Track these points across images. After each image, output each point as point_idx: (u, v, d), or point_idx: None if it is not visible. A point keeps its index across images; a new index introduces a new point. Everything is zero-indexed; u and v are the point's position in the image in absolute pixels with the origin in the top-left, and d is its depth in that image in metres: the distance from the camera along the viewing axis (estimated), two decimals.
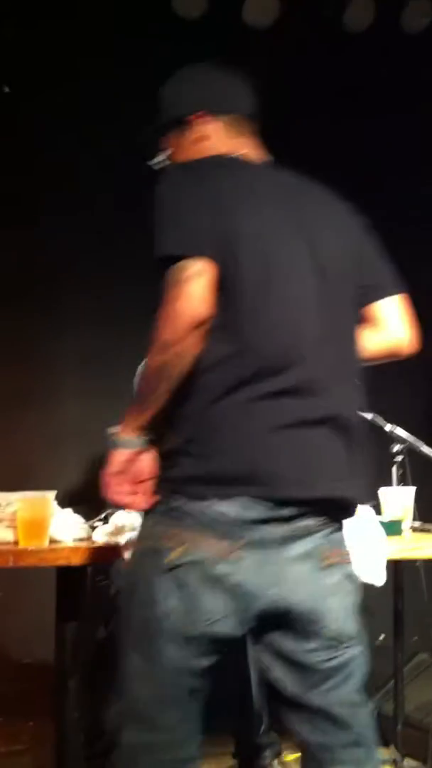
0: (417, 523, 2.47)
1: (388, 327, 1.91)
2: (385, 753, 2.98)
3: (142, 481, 1.67)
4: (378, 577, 2.22)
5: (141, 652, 1.63)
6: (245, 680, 2.85)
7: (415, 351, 1.96)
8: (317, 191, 1.84)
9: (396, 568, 2.69)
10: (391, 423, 2.70)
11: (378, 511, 2.42)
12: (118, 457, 1.68)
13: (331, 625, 1.67)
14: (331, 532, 1.70)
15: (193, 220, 1.64)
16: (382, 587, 2.31)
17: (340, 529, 1.74)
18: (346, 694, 1.72)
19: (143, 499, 1.67)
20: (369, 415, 2.74)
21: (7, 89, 3.72)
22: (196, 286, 1.59)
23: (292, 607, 1.64)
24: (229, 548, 1.58)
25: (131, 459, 1.67)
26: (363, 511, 2.31)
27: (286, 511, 1.61)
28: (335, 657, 1.69)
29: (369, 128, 4.04)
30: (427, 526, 2.45)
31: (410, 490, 2.49)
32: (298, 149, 3.94)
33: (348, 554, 1.74)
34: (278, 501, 1.60)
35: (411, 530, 2.43)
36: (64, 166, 3.70)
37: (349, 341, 1.80)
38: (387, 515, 2.42)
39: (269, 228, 1.70)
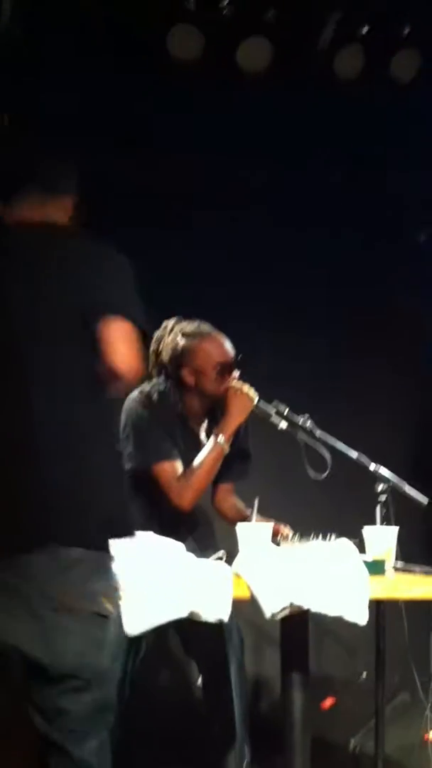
0: (399, 563, 2.49)
1: None
2: None
3: None
4: (361, 617, 2.24)
5: None
6: (229, 713, 2.86)
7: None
8: None
9: (378, 607, 2.72)
10: (376, 462, 2.74)
11: (361, 550, 2.45)
12: None
13: None
14: None
15: None
16: (365, 626, 2.34)
17: None
18: None
19: None
20: (354, 454, 2.79)
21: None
22: None
23: None
24: None
25: None
26: (347, 549, 2.34)
27: None
28: None
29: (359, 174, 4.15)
30: (410, 566, 2.47)
31: (393, 530, 2.52)
32: (285, 191, 4.10)
33: None
34: None
35: (394, 570, 2.46)
36: None
37: None
38: (370, 554, 2.45)
39: None
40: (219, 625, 2.35)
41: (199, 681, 3.10)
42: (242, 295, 3.98)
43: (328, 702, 3.47)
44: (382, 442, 3.41)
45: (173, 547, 2.26)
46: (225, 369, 2.98)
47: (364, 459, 2.76)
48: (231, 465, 3.04)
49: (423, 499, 2.72)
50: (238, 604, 2.21)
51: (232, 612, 2.75)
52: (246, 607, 2.24)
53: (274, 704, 3.45)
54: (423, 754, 2.70)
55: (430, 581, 2.40)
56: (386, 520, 2.62)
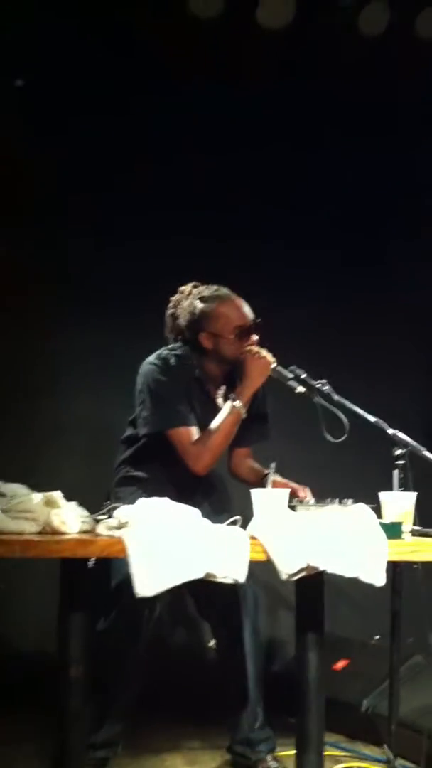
0: (417, 528, 2.49)
1: None
2: (378, 752, 3.02)
3: None
4: (378, 578, 2.25)
5: None
6: (242, 675, 2.89)
7: None
8: None
9: (394, 569, 2.72)
10: (393, 427, 2.73)
11: (379, 515, 2.45)
12: None
13: None
14: None
15: None
16: (380, 588, 2.34)
17: None
18: None
19: None
20: (372, 418, 2.78)
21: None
22: None
23: None
24: None
25: None
26: (364, 512, 2.34)
27: None
28: None
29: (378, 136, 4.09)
30: (427, 530, 2.47)
31: (411, 495, 2.51)
32: (311, 154, 4.05)
33: None
34: None
35: (411, 534, 2.46)
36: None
37: None
38: (387, 518, 2.45)
39: None
40: (233, 588, 2.38)
41: (212, 642, 3.13)
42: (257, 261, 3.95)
43: (341, 664, 3.49)
44: (400, 407, 3.41)
45: (188, 511, 2.27)
46: (243, 333, 2.97)
47: (382, 423, 2.75)
48: (249, 429, 3.03)
49: None
50: (253, 568, 2.22)
51: (249, 575, 2.78)
52: (262, 570, 2.25)
53: (288, 666, 3.48)
54: None
55: None
56: (404, 485, 2.61)
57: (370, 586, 2.27)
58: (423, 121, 4.14)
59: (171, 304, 3.10)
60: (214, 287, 3.05)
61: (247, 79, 3.87)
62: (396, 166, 4.18)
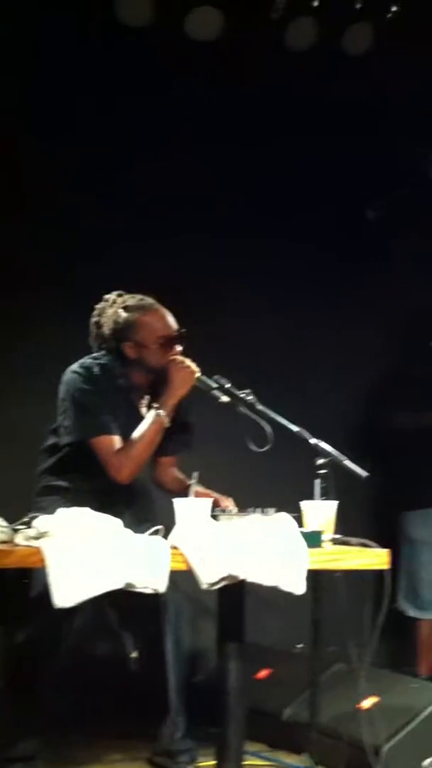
0: (338, 536, 2.52)
1: None
2: (299, 760, 3.03)
3: None
4: (298, 587, 2.26)
5: None
6: (164, 686, 2.87)
7: None
8: None
9: (315, 578, 2.74)
10: (316, 437, 2.76)
11: (300, 523, 2.47)
12: None
13: None
14: None
15: None
16: (302, 597, 2.36)
17: None
18: None
19: None
20: (295, 428, 2.80)
21: None
22: None
23: None
24: None
25: None
26: (285, 522, 2.36)
27: None
28: None
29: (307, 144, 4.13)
30: (348, 538, 2.50)
31: (333, 504, 2.54)
32: (237, 161, 4.08)
33: None
34: None
35: (332, 542, 2.48)
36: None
37: None
38: (309, 527, 2.46)
39: None
40: (155, 599, 2.36)
41: (134, 654, 3.11)
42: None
43: (264, 673, 3.50)
44: (323, 417, 3.44)
45: (109, 521, 2.25)
46: (167, 343, 2.96)
47: (305, 433, 2.77)
48: (173, 438, 3.03)
49: (362, 473, 2.74)
50: (176, 577, 2.21)
51: (170, 585, 2.77)
52: (185, 579, 2.25)
53: (210, 676, 3.47)
54: (355, 723, 2.74)
55: (366, 553, 2.43)
56: (325, 494, 2.63)
57: (293, 595, 2.29)
58: (347, 133, 4.19)
59: (95, 312, 3.08)
60: (139, 296, 3.05)
61: (176, 88, 3.88)
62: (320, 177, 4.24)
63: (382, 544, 2.47)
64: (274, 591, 2.28)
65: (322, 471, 2.68)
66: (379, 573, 2.50)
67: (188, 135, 3.99)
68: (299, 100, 4.03)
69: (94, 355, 3.03)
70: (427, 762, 2.88)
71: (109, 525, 2.24)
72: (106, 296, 3.08)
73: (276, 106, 4.05)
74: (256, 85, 3.93)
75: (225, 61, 3.83)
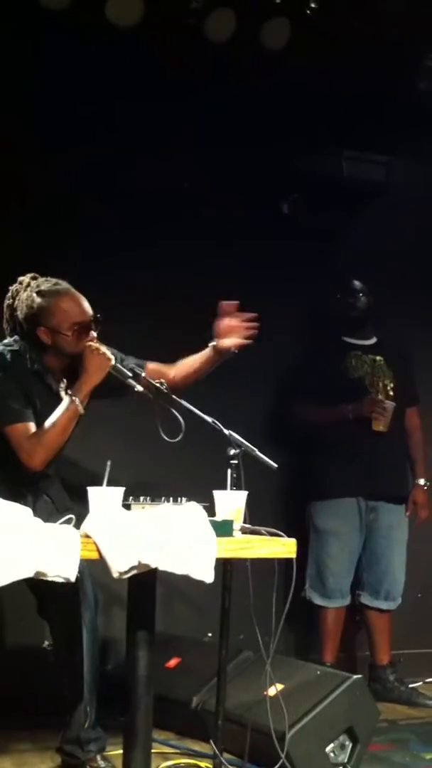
0: (248, 525, 2.55)
1: None
2: (207, 748, 3.07)
3: None
4: (207, 575, 2.29)
5: None
6: (78, 675, 2.87)
7: None
8: None
9: (225, 567, 2.77)
10: (229, 428, 2.78)
11: (212, 513, 2.49)
12: None
13: None
14: None
15: None
16: (211, 586, 2.38)
17: None
18: None
19: None
20: (208, 419, 2.82)
21: None
22: None
23: None
24: None
25: None
26: (195, 511, 2.37)
27: None
28: None
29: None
30: (258, 528, 2.54)
31: (242, 493, 2.57)
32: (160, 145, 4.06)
33: None
34: None
35: (241, 531, 2.51)
36: None
37: None
38: (219, 516, 2.49)
39: None
40: (74, 587, 2.35)
41: (46, 643, 3.09)
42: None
43: (174, 661, 3.52)
44: (235, 408, 3.48)
45: (18, 510, 2.23)
46: (82, 329, 2.94)
47: (218, 424, 2.80)
48: None
49: (272, 464, 2.78)
50: (90, 566, 2.21)
51: (88, 573, 2.77)
52: (97, 568, 2.24)
53: (120, 665, 3.48)
54: (262, 709, 2.78)
55: (274, 542, 2.47)
56: (237, 484, 2.66)
57: (204, 585, 2.31)
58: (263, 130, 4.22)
59: (9, 294, 3.03)
60: (54, 281, 3.00)
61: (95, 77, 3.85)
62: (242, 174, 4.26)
63: (291, 534, 2.51)
64: (189, 581, 2.29)
65: (234, 462, 2.71)
66: (287, 562, 2.55)
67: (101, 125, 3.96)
68: (216, 92, 4.03)
69: (6, 341, 2.99)
70: (329, 747, 2.95)
71: (18, 514, 2.22)
72: (20, 278, 3.03)
73: (193, 98, 4.04)
74: (174, 76, 3.92)
75: (145, 49, 3.79)
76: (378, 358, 4.26)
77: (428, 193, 4.59)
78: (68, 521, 2.30)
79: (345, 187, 4.52)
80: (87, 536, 2.23)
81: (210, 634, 3.93)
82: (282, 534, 2.50)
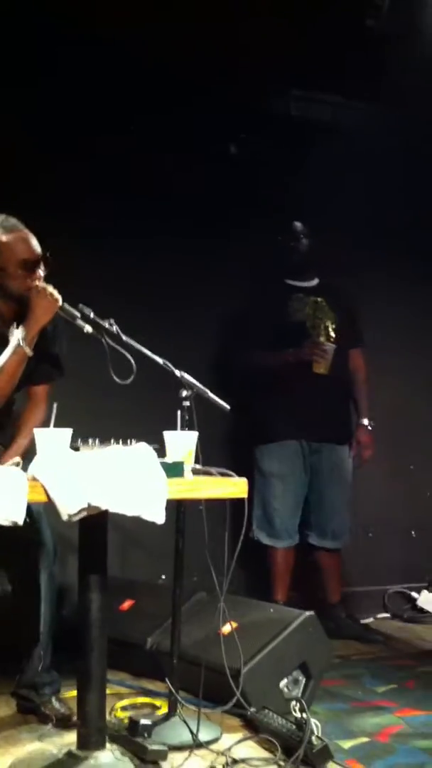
0: (198, 466, 2.54)
1: None
2: (162, 687, 3.09)
3: None
4: (158, 516, 2.27)
5: None
6: (35, 620, 2.86)
7: None
8: None
9: (178, 509, 2.76)
10: (180, 369, 2.75)
11: (162, 454, 2.47)
12: None
13: None
14: None
15: None
16: (165, 529, 2.37)
17: None
18: None
19: None
20: (160, 360, 2.78)
21: None
22: None
23: None
24: None
25: None
26: (144, 452, 2.35)
27: None
28: None
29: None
30: (209, 468, 2.53)
31: (193, 434, 2.56)
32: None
33: None
34: None
35: (192, 472, 2.50)
36: None
37: None
38: (170, 458, 2.47)
39: None
40: (33, 535, 2.30)
41: (7, 588, 3.07)
42: None
43: (127, 604, 3.53)
44: (187, 349, 3.44)
45: None
46: (29, 267, 2.84)
47: (170, 365, 2.77)
48: (36, 369, 2.95)
49: (225, 406, 2.77)
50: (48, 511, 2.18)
51: (47, 521, 2.74)
52: (50, 512, 2.22)
53: (74, 609, 3.48)
54: (216, 648, 2.80)
55: (225, 482, 2.47)
56: (188, 425, 2.64)
57: (158, 528, 2.30)
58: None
59: None
60: (2, 216, 2.91)
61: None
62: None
63: (239, 476, 2.51)
64: (142, 524, 2.28)
65: (186, 403, 2.69)
66: (239, 504, 2.55)
67: None
68: None
69: None
70: (283, 683, 2.99)
71: None
72: None
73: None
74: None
75: None
76: (319, 299, 4.25)
77: (376, 134, 4.54)
78: (17, 464, 2.27)
79: (292, 126, 4.46)
80: (34, 479, 2.20)
81: (164, 576, 3.94)
82: (233, 474, 2.50)
